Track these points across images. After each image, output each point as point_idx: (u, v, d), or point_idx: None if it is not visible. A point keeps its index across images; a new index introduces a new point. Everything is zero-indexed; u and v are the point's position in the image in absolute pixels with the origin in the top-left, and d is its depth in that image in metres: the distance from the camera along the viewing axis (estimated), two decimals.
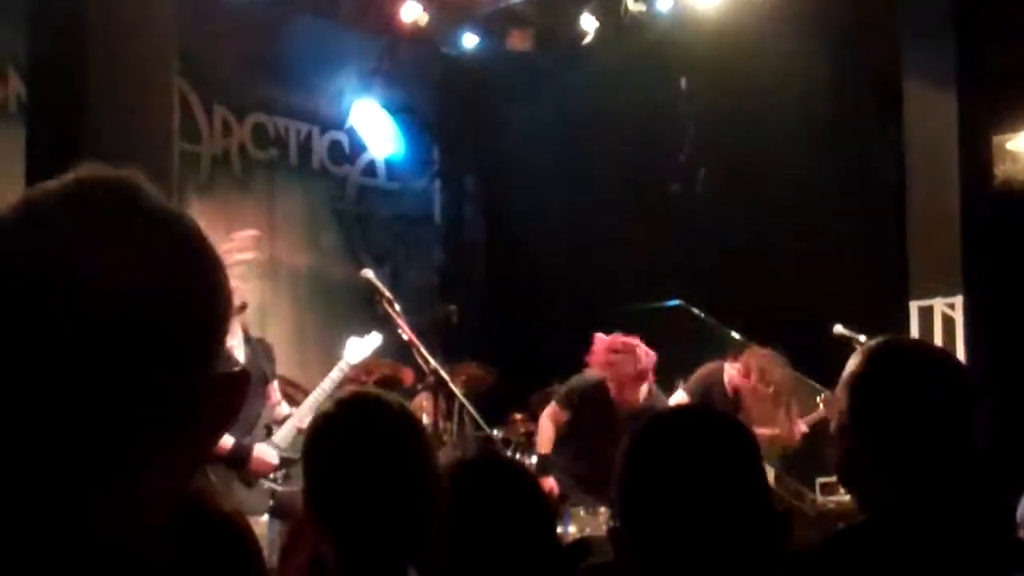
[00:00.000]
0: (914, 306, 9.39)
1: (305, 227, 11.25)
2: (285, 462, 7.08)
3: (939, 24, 9.22)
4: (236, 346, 7.03)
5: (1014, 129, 9.92)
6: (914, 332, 9.30)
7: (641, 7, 10.60)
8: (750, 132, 10.16)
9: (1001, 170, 9.86)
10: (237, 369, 1.20)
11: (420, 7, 10.83)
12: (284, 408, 7.25)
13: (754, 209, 10.06)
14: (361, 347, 7.39)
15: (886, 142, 9.73)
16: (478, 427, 7.61)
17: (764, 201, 10.06)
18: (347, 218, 11.68)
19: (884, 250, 9.57)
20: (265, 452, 6.96)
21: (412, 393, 8.31)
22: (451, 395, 7.24)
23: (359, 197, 11.86)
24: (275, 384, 7.29)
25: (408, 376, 8.27)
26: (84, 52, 6.18)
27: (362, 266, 7.57)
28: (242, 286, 7.01)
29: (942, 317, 9.26)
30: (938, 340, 9.17)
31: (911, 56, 9.57)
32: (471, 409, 7.49)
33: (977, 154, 9.39)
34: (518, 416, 9.59)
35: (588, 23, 10.87)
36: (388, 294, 7.16)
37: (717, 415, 2.38)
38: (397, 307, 7.14)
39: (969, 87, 9.19)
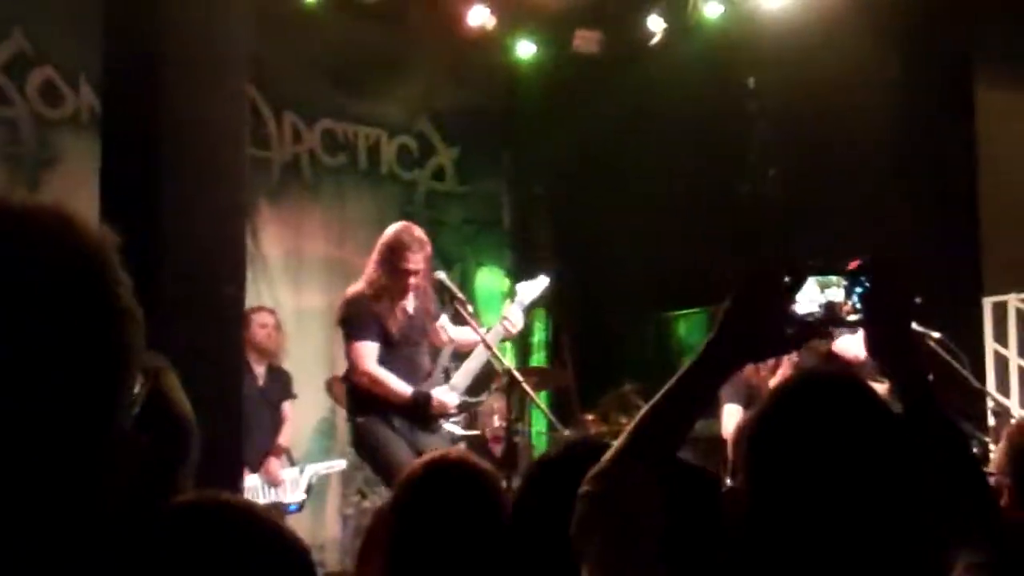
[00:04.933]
0: (987, 302, 9.30)
1: (374, 232, 11.19)
2: (464, 405, 7.27)
3: (1013, 17, 9.13)
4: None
5: None
6: (988, 328, 9.22)
7: (708, 7, 10.59)
8: (819, 130, 10.08)
9: None
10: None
11: (487, 11, 10.86)
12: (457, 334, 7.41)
13: (824, 207, 9.98)
14: (531, 289, 7.64)
15: (958, 137, 9.63)
16: (551, 427, 7.63)
17: (834, 199, 9.98)
18: (416, 222, 11.64)
19: (957, 246, 9.46)
20: (445, 395, 7.19)
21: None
22: (524, 395, 7.28)
23: (428, 201, 11.88)
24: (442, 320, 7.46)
25: None
26: (157, 59, 6.25)
27: (432, 270, 7.61)
28: None
29: (1016, 313, 9.17)
30: (1012, 335, 9.10)
31: (983, 51, 9.49)
32: (544, 409, 7.51)
33: None
34: (590, 417, 9.57)
35: (655, 24, 10.85)
36: (461, 295, 7.23)
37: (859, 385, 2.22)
38: (470, 309, 7.20)
39: None
